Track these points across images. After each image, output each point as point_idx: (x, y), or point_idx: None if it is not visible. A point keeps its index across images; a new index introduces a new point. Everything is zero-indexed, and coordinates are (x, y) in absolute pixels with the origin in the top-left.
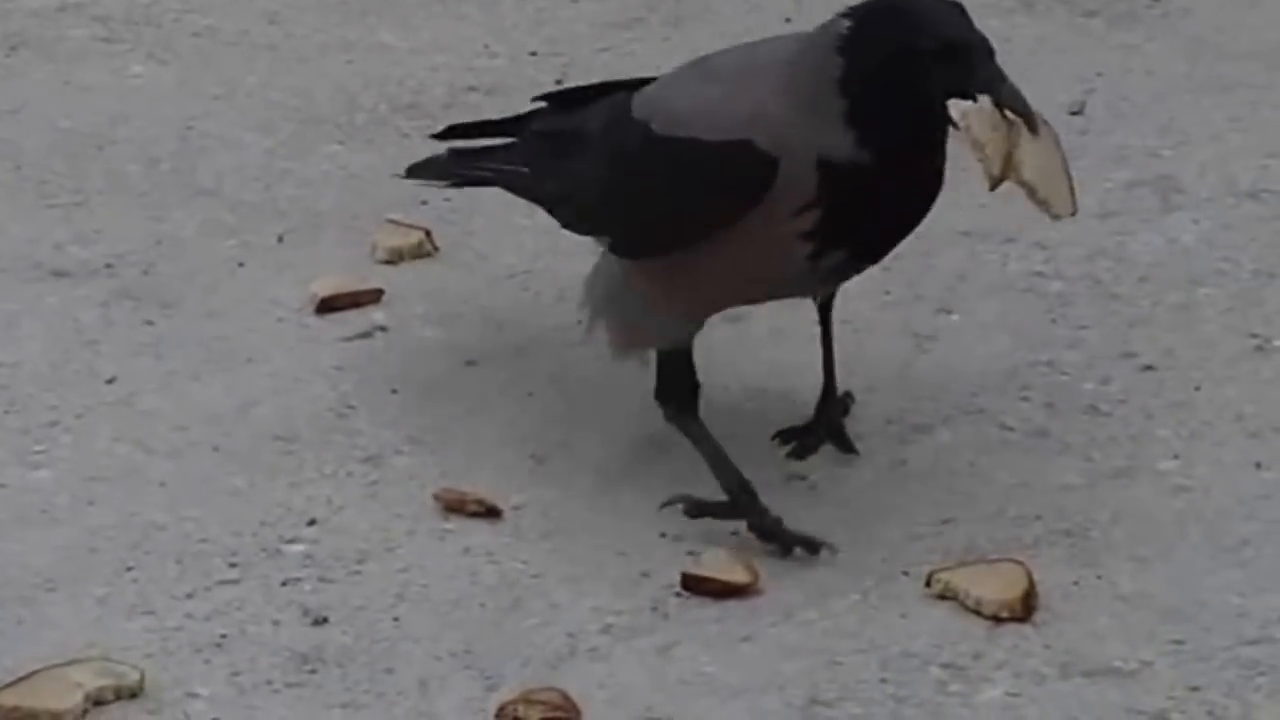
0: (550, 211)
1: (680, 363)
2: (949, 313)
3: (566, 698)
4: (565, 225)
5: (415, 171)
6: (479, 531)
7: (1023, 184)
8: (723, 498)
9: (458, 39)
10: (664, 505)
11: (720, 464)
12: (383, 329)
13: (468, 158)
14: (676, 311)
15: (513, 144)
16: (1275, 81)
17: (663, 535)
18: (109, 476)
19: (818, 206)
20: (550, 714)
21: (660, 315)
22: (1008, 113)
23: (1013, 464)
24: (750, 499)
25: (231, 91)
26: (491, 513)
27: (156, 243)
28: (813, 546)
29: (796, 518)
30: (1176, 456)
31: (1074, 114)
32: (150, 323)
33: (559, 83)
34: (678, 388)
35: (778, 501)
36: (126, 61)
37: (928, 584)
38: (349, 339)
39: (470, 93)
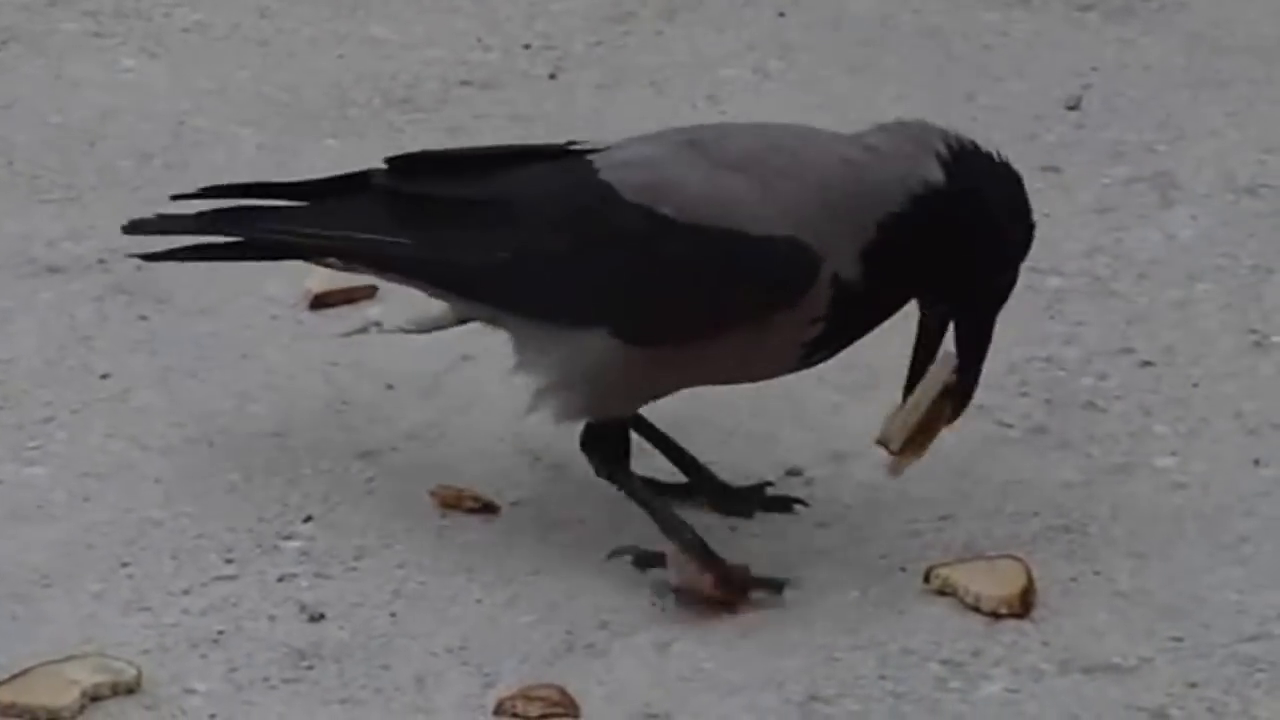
0: (450, 288)
1: (619, 423)
2: None
3: (565, 694)
4: (496, 302)
5: (142, 227)
6: (476, 528)
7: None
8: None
9: (450, 32)
10: (610, 556)
11: (661, 515)
12: (378, 325)
13: (248, 217)
14: (659, 390)
15: (330, 207)
16: (1273, 76)
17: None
18: (104, 473)
19: (824, 320)
20: (549, 710)
21: (638, 392)
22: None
23: (1011, 460)
24: (698, 544)
25: (223, 86)
26: (488, 509)
27: (149, 238)
28: (775, 586)
29: (796, 513)
30: (1175, 453)
31: (1070, 109)
32: (144, 318)
33: (552, 76)
34: (611, 442)
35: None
36: (117, 56)
37: (926, 580)
38: (344, 335)
39: (463, 86)
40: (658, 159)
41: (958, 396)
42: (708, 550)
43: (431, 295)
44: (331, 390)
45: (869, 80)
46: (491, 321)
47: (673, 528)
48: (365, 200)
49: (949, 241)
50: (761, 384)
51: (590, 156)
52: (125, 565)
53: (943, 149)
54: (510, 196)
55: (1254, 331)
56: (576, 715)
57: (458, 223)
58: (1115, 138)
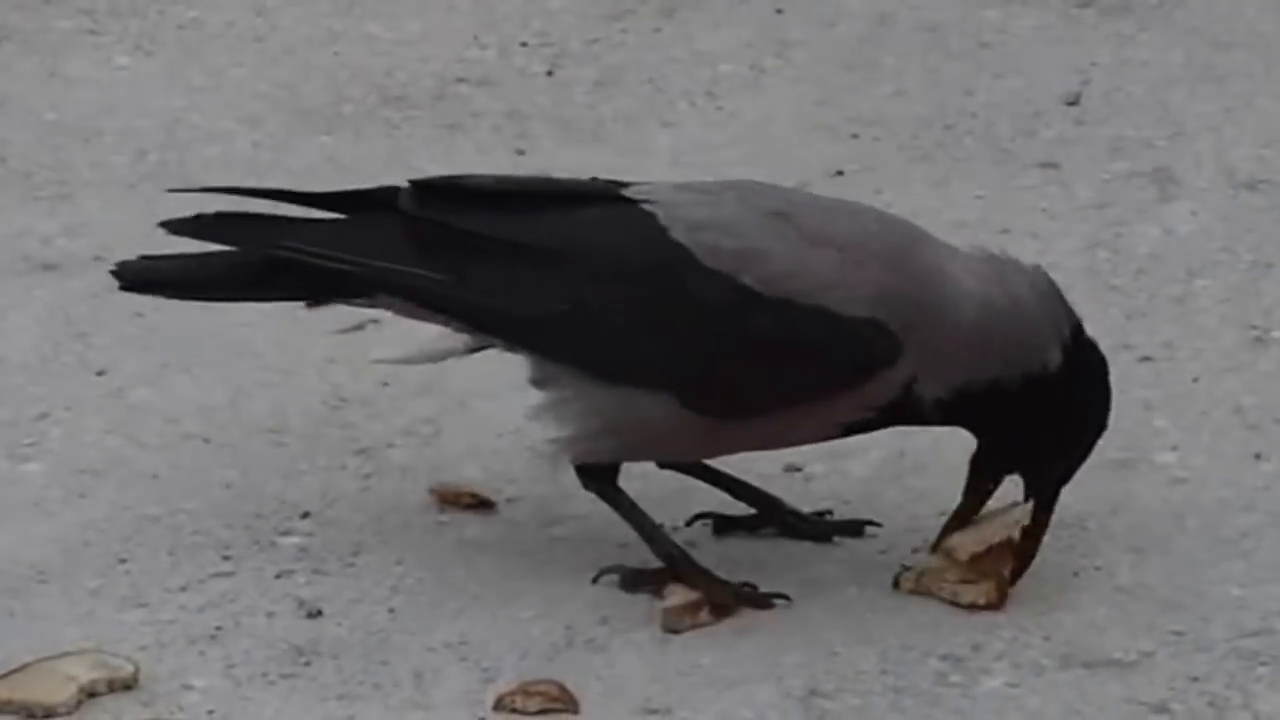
0: (496, 333)
1: None
2: None
3: (564, 689)
4: (548, 354)
5: (180, 228)
6: (474, 524)
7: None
8: (658, 564)
9: (447, 30)
10: (597, 577)
11: (649, 532)
12: (374, 321)
13: (268, 227)
14: (700, 453)
15: (354, 228)
16: (1271, 71)
17: (659, 525)
18: (100, 469)
19: (879, 410)
20: (548, 705)
21: (680, 452)
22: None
23: None
24: (687, 562)
25: (218, 83)
26: (486, 505)
27: (145, 235)
28: (764, 602)
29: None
30: (1175, 448)
31: (1070, 104)
32: (140, 315)
33: (549, 74)
34: (606, 467)
35: (775, 492)
36: (112, 53)
37: (895, 585)
38: (340, 331)
39: (460, 84)
40: (738, 224)
41: (1018, 559)
42: (696, 567)
43: (463, 333)
44: (328, 387)
45: (867, 77)
46: (516, 353)
47: (663, 549)
48: (399, 227)
49: (1036, 424)
50: None
51: (648, 207)
52: (122, 561)
53: (1066, 335)
54: (565, 243)
55: (1254, 327)
56: (576, 711)
57: (505, 264)
58: (1114, 133)
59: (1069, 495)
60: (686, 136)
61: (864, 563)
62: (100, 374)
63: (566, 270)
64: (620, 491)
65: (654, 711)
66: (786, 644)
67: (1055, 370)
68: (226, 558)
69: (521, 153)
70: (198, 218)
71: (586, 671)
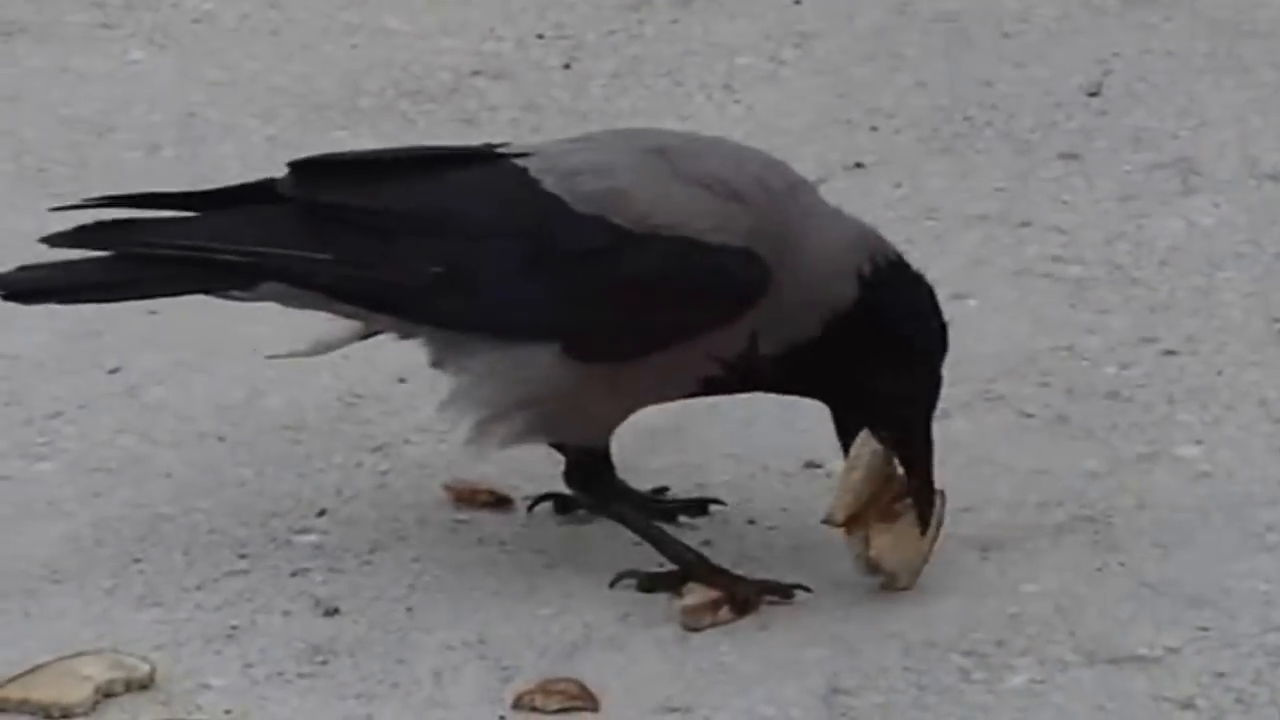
0: (376, 308)
1: (601, 450)
2: (966, 298)
3: (584, 688)
4: (428, 321)
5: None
6: (492, 521)
7: (869, 559)
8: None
9: (463, 22)
10: (614, 582)
11: (657, 538)
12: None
13: (150, 230)
14: (616, 410)
15: (233, 218)
16: None
17: (679, 523)
18: (114, 468)
19: (730, 365)
20: (567, 704)
21: (593, 413)
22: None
23: (1033, 451)
24: (701, 561)
25: (233, 77)
26: (503, 503)
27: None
28: (785, 593)
29: (814, 506)
30: (1199, 442)
31: (1091, 95)
32: (153, 312)
33: (566, 66)
34: (596, 473)
35: (794, 491)
36: (126, 47)
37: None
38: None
39: (476, 77)
40: (610, 166)
41: (918, 506)
42: (713, 567)
43: (347, 315)
44: (343, 384)
45: (886, 68)
46: (408, 336)
47: (673, 551)
48: (273, 211)
49: (861, 367)
50: None
51: (521, 162)
52: (137, 561)
53: (866, 269)
54: (438, 207)
55: (1277, 319)
56: (596, 709)
57: (380, 236)
58: (1137, 124)
59: (1093, 489)
60: (704, 129)
61: None
62: (113, 372)
63: (440, 234)
64: (624, 504)
65: (674, 709)
66: (808, 641)
67: (853, 305)
68: (242, 556)
69: None
70: (79, 229)
71: (606, 669)
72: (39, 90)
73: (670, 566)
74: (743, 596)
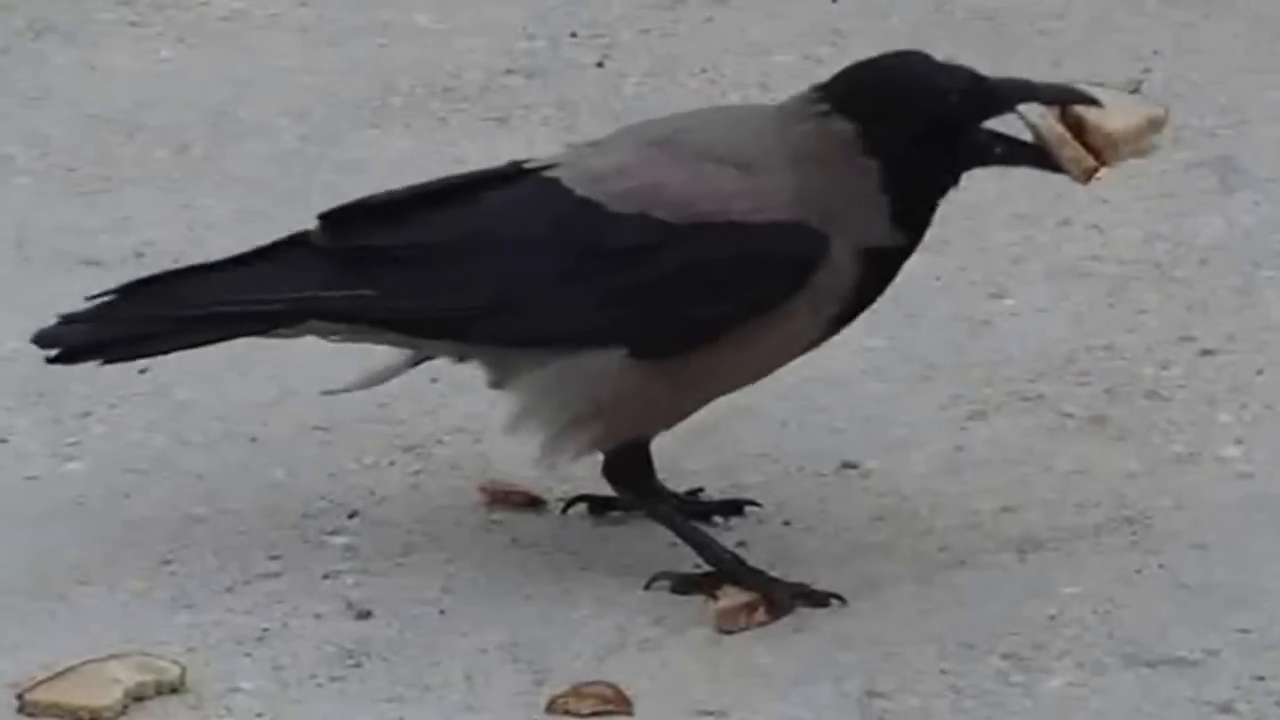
0: (430, 335)
1: (641, 446)
2: (1003, 297)
3: (618, 691)
4: (487, 342)
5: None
6: (526, 522)
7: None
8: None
9: (495, 21)
10: (649, 584)
11: (696, 540)
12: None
13: (165, 295)
14: (688, 405)
15: (270, 271)
16: None
17: (715, 523)
18: (144, 468)
19: (851, 289)
20: (601, 707)
21: (666, 411)
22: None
23: (1072, 451)
24: (738, 564)
25: (263, 76)
26: (536, 504)
27: (188, 230)
28: (821, 600)
29: (850, 506)
30: (1239, 442)
31: (1131, 93)
32: None
33: (600, 65)
34: (636, 469)
35: (830, 491)
36: (155, 45)
37: None
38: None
39: (508, 75)
40: (629, 164)
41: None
42: (749, 570)
43: (398, 345)
44: None
45: None
46: (464, 359)
47: (711, 552)
48: (310, 259)
49: (928, 111)
50: (815, 375)
51: (550, 174)
52: (167, 563)
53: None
54: (479, 229)
55: None
56: (630, 712)
57: (423, 268)
58: (1176, 122)
59: (1132, 490)
60: None
61: (923, 560)
62: (144, 372)
63: (486, 256)
64: (665, 503)
65: (709, 713)
66: (844, 643)
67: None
68: (274, 558)
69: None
70: (106, 305)
71: (640, 672)
72: (67, 89)
73: (705, 569)
74: (778, 599)
